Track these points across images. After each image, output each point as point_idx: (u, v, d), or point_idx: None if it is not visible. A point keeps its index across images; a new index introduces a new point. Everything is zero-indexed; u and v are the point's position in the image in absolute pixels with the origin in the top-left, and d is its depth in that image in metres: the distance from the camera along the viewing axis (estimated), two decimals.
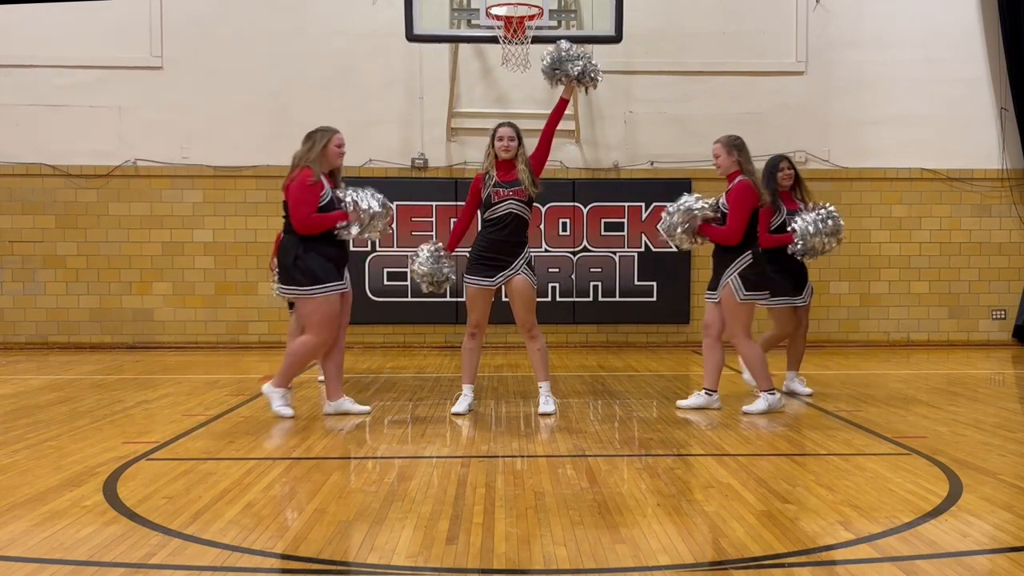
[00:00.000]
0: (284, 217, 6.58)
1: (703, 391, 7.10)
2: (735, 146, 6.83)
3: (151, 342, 12.21)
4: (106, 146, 12.13)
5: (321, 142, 6.59)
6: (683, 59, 12.43)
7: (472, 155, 12.28)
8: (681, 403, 7.16)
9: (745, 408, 6.88)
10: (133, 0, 11.90)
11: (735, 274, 6.70)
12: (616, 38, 9.87)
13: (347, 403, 6.90)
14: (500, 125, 6.91)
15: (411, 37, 9.87)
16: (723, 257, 6.80)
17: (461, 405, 7.01)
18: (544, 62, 6.93)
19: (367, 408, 6.98)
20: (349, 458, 5.57)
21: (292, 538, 3.89)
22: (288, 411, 6.72)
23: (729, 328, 6.84)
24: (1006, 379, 9.67)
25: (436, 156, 12.44)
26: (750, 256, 6.71)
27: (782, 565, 3.56)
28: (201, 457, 5.55)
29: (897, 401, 7.23)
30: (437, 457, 5.53)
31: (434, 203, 12.10)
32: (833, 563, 3.56)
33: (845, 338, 12.64)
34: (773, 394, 6.86)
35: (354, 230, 6.54)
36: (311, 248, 6.48)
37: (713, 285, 6.91)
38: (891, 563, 3.59)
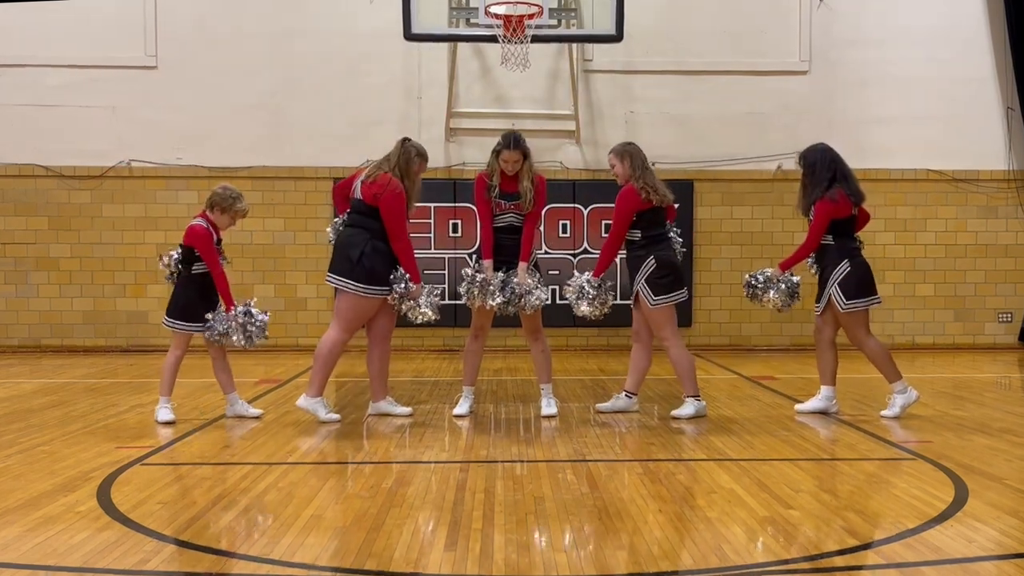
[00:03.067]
0: (355, 213, 6.58)
1: (624, 393, 7.09)
2: (628, 153, 6.78)
3: (145, 345, 12.10)
4: (100, 147, 12.04)
5: (413, 161, 6.62)
6: (685, 58, 12.36)
7: (471, 155, 12.21)
8: (600, 406, 7.12)
9: (673, 412, 6.83)
10: None
11: (642, 281, 6.67)
12: (617, 37, 9.80)
13: (386, 404, 6.93)
14: (506, 148, 6.62)
15: (409, 36, 9.80)
16: (630, 263, 6.77)
17: (462, 407, 6.98)
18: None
19: (409, 409, 6.98)
20: (346, 463, 5.52)
21: (288, 544, 3.84)
22: (327, 416, 6.66)
23: (656, 333, 6.82)
24: (1012, 383, 9.61)
25: (435, 156, 12.19)
26: (653, 261, 6.66)
27: (786, 572, 3.51)
28: (196, 462, 5.50)
29: None
30: (436, 462, 5.47)
31: (432, 204, 12.02)
32: (837, 569, 3.51)
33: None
34: (700, 400, 6.87)
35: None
36: (379, 250, 6.50)
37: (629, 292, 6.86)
38: (896, 569, 3.54)
